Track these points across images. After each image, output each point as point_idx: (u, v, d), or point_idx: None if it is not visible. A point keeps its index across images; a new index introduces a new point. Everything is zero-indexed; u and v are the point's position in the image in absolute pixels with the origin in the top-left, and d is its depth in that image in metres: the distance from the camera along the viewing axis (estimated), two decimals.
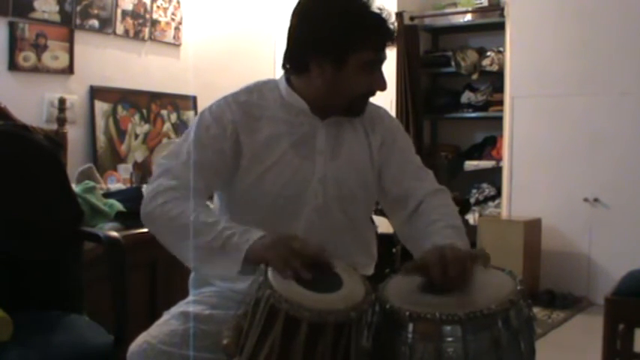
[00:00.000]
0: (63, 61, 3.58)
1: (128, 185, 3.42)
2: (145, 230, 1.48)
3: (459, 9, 5.19)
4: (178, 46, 4.25)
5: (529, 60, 4.55)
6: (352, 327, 1.18)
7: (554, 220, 4.48)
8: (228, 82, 3.84)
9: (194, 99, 4.28)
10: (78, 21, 3.64)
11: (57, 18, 3.54)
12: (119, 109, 3.86)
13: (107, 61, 3.83)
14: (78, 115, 3.65)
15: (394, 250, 3.44)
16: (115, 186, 3.31)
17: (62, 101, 3.36)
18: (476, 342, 1.17)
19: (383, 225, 2.88)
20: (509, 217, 4.63)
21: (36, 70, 3.47)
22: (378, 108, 1.69)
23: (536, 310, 4.01)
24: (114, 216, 2.67)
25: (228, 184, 1.56)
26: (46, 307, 1.97)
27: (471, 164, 5.08)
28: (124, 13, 3.90)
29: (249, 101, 1.56)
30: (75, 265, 2.12)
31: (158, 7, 4.10)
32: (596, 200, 4.34)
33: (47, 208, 2.10)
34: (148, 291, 2.69)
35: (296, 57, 1.54)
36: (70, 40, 3.60)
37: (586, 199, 4.36)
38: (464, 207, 4.61)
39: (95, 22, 3.74)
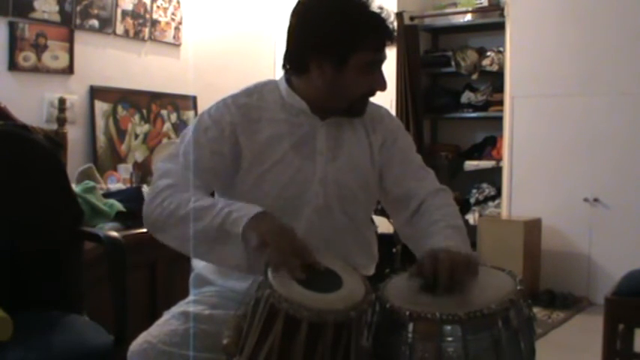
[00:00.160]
0: (63, 61, 3.58)
1: (128, 185, 3.41)
2: (145, 230, 1.47)
3: (459, 9, 5.19)
4: (178, 46, 4.25)
5: (529, 60, 4.55)
6: (352, 327, 1.18)
7: (554, 220, 4.48)
8: (228, 82, 3.86)
9: (194, 99, 4.28)
10: (78, 21, 3.64)
11: (57, 18, 3.55)
12: (119, 109, 3.86)
13: (107, 61, 3.83)
14: (78, 115, 3.65)
15: (394, 250, 3.44)
16: (115, 186, 3.31)
17: (62, 101, 3.37)
18: (476, 342, 1.17)
19: (383, 225, 2.89)
20: (509, 217, 4.63)
21: (36, 70, 3.47)
22: (379, 108, 1.68)
23: (536, 310, 4.01)
24: (114, 216, 2.68)
25: (228, 186, 1.55)
26: (46, 307, 1.97)
27: (471, 164, 5.08)
28: (124, 13, 3.90)
29: (248, 103, 1.56)
30: (75, 265, 2.12)
31: (158, 7, 4.10)
32: (596, 200, 4.34)
33: (47, 208, 2.10)
34: (148, 291, 2.69)
35: (296, 57, 1.53)
36: (70, 40, 3.61)
37: (586, 199, 4.36)
38: (462, 207, 4.61)
39: (95, 22, 3.74)
